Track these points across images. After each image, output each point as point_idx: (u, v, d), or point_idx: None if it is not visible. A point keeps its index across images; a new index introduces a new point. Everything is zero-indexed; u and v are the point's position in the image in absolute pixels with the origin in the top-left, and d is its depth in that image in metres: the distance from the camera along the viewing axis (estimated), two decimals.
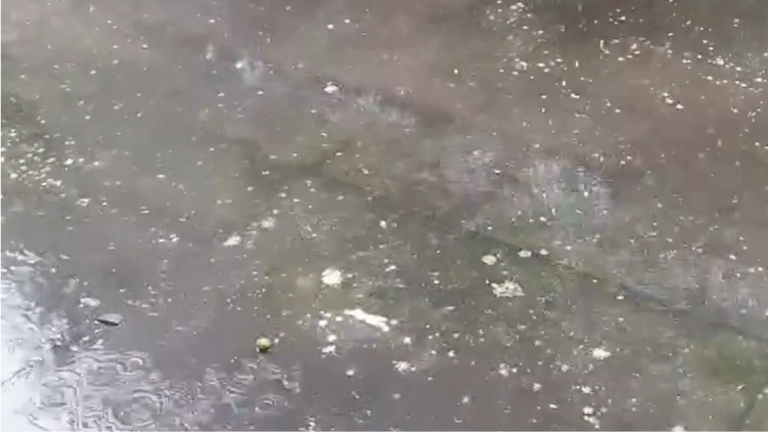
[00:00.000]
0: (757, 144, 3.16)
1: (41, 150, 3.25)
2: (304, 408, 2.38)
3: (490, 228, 2.88)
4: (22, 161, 3.21)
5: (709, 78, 3.46)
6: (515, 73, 3.54)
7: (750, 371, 2.42)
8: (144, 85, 3.55)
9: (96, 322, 2.63)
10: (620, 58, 3.59)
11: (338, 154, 3.20)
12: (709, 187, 3.00)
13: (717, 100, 3.36)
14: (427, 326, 2.58)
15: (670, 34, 3.69)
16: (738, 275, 2.69)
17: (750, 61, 3.52)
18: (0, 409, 2.41)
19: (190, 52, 3.73)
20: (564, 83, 3.47)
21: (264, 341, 2.54)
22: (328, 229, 2.89)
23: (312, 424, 2.35)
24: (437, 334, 2.56)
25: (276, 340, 2.55)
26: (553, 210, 2.94)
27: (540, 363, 2.47)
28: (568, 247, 2.80)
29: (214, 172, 3.15)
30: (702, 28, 3.71)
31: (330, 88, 3.51)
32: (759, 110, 3.29)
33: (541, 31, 3.75)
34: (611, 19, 3.80)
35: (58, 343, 2.57)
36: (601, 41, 3.67)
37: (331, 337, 2.56)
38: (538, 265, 2.74)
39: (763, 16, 3.78)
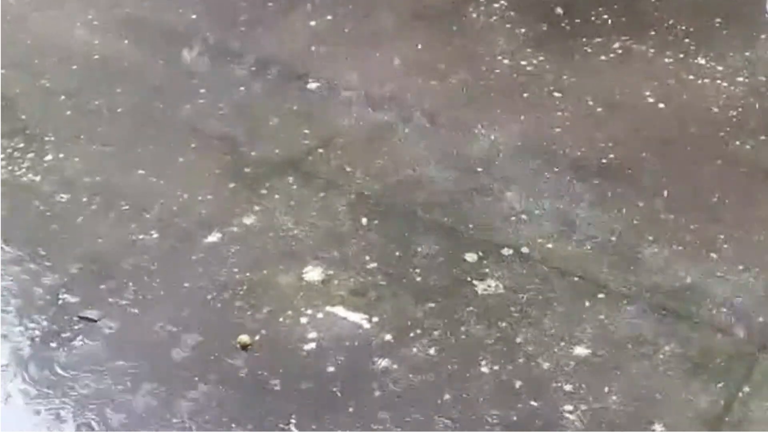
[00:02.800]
0: (738, 143, 3.17)
1: (21, 145, 3.23)
2: (285, 405, 2.38)
3: (471, 225, 2.88)
4: (1, 157, 3.18)
5: (691, 77, 3.47)
6: (498, 71, 3.55)
7: (730, 370, 2.43)
8: (125, 80, 3.53)
9: (76, 318, 2.61)
10: (602, 57, 3.60)
11: (320, 150, 3.20)
12: (691, 186, 3.01)
13: (699, 99, 3.37)
14: (409, 323, 2.58)
15: (652, 33, 3.71)
16: (719, 274, 2.70)
17: (731, 61, 3.53)
18: None
19: (171, 48, 3.72)
20: (546, 81, 3.47)
21: (245, 338, 2.53)
22: (309, 226, 2.89)
23: (293, 421, 2.34)
24: (419, 331, 2.55)
25: (257, 337, 2.54)
26: (535, 208, 2.94)
27: (521, 360, 2.47)
28: (550, 245, 2.80)
29: (195, 168, 3.13)
30: (684, 28, 3.72)
31: (312, 85, 3.50)
32: (740, 109, 3.30)
33: (523, 30, 3.75)
34: (594, 18, 3.81)
35: (38, 340, 2.55)
36: (584, 40, 3.68)
37: (312, 334, 2.55)
38: (519, 263, 2.75)
39: (745, 16, 3.80)
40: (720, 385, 2.40)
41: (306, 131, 3.28)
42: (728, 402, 2.35)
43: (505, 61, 3.59)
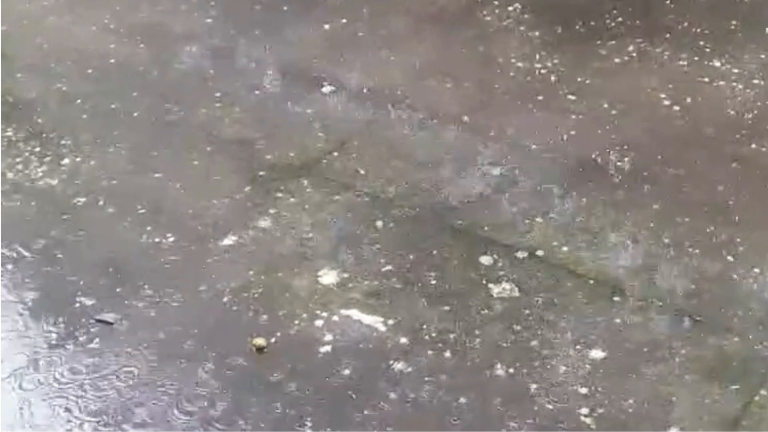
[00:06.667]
0: (753, 146, 3.16)
1: (38, 149, 3.25)
2: (300, 408, 2.38)
3: (486, 228, 2.88)
4: (18, 160, 3.20)
5: (706, 79, 3.46)
6: (512, 73, 3.55)
7: (746, 373, 2.42)
8: (140, 84, 3.55)
9: (92, 321, 2.62)
10: (617, 60, 3.59)
11: (334, 154, 3.20)
12: (706, 189, 3.00)
13: (714, 101, 3.36)
14: (424, 326, 2.58)
15: (667, 35, 3.70)
16: (735, 276, 2.69)
17: (747, 63, 3.52)
18: None
19: (186, 52, 3.73)
20: (561, 84, 3.47)
21: (260, 341, 2.54)
22: (324, 229, 2.89)
23: (308, 423, 2.35)
24: (433, 334, 2.56)
25: (272, 340, 2.55)
26: (550, 211, 2.94)
27: (536, 363, 2.47)
28: (565, 248, 2.80)
29: (210, 171, 3.14)
30: (699, 30, 3.72)
31: (326, 88, 3.51)
32: (755, 112, 3.30)
33: (537, 32, 3.75)
34: (608, 21, 3.80)
35: (54, 342, 2.57)
36: (598, 42, 3.68)
37: (328, 337, 2.56)
38: (534, 266, 2.74)
39: (760, 18, 3.79)
40: (736, 388, 2.39)
41: (321, 134, 3.28)
42: (745, 405, 2.35)
43: (520, 64, 3.59)
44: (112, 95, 3.49)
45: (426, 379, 2.44)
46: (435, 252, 2.80)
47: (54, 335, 2.59)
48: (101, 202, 3.02)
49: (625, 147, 3.17)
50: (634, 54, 3.61)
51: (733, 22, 3.75)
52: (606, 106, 3.36)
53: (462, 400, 2.39)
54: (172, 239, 2.88)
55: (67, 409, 2.40)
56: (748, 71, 3.48)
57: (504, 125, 3.29)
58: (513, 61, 3.60)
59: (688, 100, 3.37)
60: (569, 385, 2.41)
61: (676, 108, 3.34)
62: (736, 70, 3.49)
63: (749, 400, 2.36)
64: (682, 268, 2.72)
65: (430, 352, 2.51)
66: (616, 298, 2.64)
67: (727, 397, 2.37)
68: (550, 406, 2.36)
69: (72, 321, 2.63)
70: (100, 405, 2.40)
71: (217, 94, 3.49)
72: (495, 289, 2.68)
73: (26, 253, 2.85)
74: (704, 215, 2.89)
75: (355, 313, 2.62)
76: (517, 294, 2.66)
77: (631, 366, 2.45)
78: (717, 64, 3.53)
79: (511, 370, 2.45)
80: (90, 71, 3.63)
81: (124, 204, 3.01)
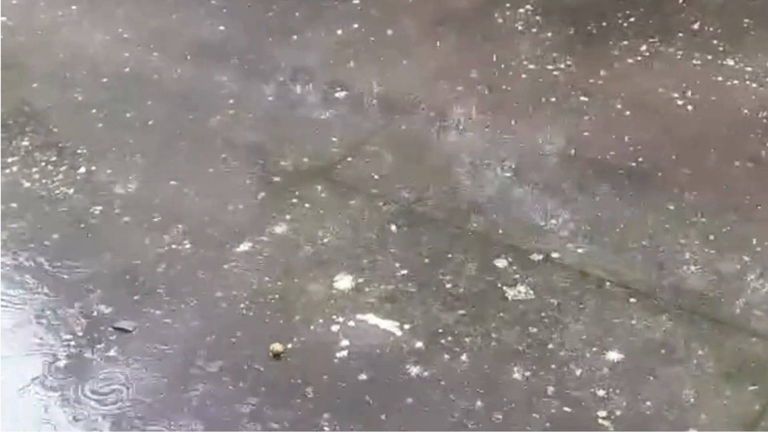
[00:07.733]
0: None
1: (54, 158, 3.27)
2: (318, 413, 2.39)
3: (501, 231, 2.88)
4: (35, 170, 3.22)
5: (720, 79, 3.45)
6: (524, 75, 3.55)
7: (764, 373, 2.41)
8: (155, 92, 3.57)
9: (110, 329, 2.64)
10: (630, 60, 3.58)
11: (348, 159, 3.21)
12: (721, 188, 3.00)
13: (727, 100, 3.35)
14: (440, 330, 2.58)
15: (680, 34, 3.69)
16: (752, 276, 2.68)
17: (760, 62, 3.51)
18: (17, 415, 2.43)
19: (200, 60, 3.75)
20: (573, 85, 3.47)
21: (277, 346, 2.55)
22: (339, 234, 2.90)
23: (326, 428, 2.35)
24: (449, 338, 2.56)
25: (289, 346, 2.56)
26: (565, 213, 2.94)
27: (553, 366, 2.47)
28: (580, 250, 2.80)
29: (225, 178, 3.16)
30: (712, 29, 3.71)
31: (340, 93, 3.52)
32: None
33: (549, 34, 3.75)
34: (620, 21, 3.80)
35: (73, 351, 2.58)
36: (610, 43, 3.67)
37: (344, 342, 2.56)
38: (549, 268, 2.74)
39: None
40: (755, 389, 2.38)
41: (334, 139, 3.29)
42: (763, 406, 2.34)
43: (532, 66, 3.58)
44: (126, 103, 3.51)
45: (442, 383, 2.44)
46: (450, 255, 2.80)
47: (72, 343, 2.60)
48: (117, 210, 3.04)
49: (639, 147, 3.16)
50: (647, 54, 3.60)
51: (746, 21, 3.74)
52: (619, 106, 3.36)
53: (479, 403, 2.39)
54: (188, 246, 2.89)
55: (86, 417, 2.41)
56: (762, 70, 3.47)
57: (517, 127, 3.29)
58: (525, 63, 3.60)
59: (702, 99, 3.36)
60: (587, 388, 2.41)
61: (690, 108, 3.34)
62: (749, 69, 3.48)
63: None
64: (699, 269, 2.72)
65: (446, 356, 2.51)
66: (632, 300, 2.63)
67: (745, 398, 2.36)
68: (568, 409, 2.36)
69: (90, 329, 2.64)
70: (118, 413, 2.41)
71: (231, 101, 3.50)
72: (510, 292, 2.68)
73: (43, 262, 2.86)
74: (720, 215, 2.89)
75: (370, 318, 2.63)
76: (532, 297, 2.66)
77: (649, 368, 2.45)
78: (730, 63, 3.52)
79: (528, 374, 2.45)
80: (105, 80, 3.65)
81: (140, 212, 3.02)
